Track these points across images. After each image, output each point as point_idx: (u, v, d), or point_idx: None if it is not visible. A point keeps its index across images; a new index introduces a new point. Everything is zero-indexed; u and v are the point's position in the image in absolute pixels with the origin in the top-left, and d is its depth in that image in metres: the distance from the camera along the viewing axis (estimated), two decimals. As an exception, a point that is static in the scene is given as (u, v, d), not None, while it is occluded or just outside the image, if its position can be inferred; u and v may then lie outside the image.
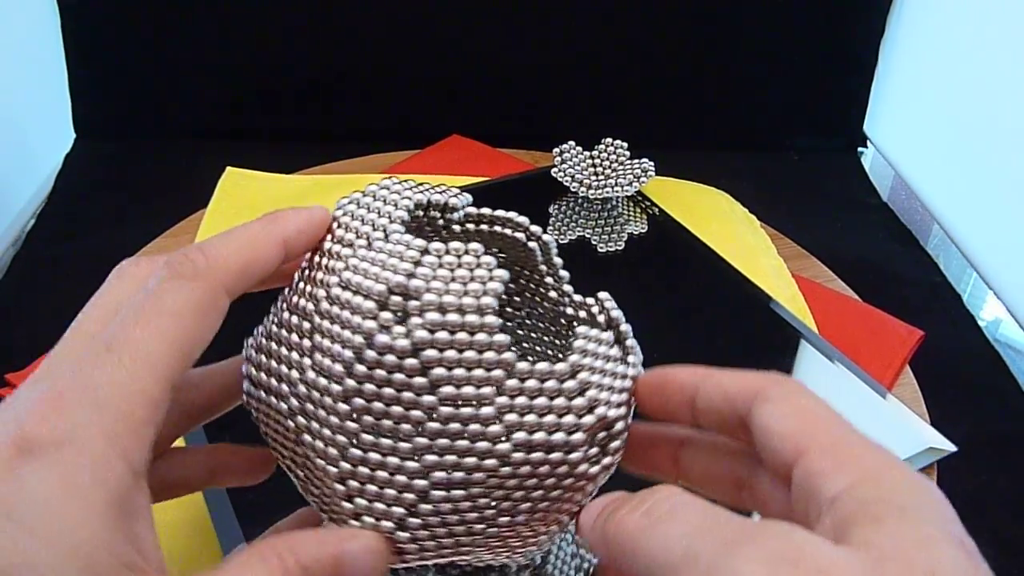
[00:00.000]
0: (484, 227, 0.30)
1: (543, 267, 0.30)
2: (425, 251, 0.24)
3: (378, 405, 0.23)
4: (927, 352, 0.53)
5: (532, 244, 0.30)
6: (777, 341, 0.48)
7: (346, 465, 0.24)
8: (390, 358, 0.23)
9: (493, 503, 0.25)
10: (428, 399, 0.23)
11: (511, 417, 0.23)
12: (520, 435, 0.24)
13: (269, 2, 0.75)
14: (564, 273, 0.30)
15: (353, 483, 0.24)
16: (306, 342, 0.24)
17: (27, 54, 0.77)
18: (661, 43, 0.79)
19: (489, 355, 0.23)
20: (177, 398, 0.25)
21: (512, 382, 0.24)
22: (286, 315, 0.25)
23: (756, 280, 0.52)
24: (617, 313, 0.28)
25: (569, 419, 0.24)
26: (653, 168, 0.64)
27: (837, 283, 0.59)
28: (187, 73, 0.77)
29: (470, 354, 0.23)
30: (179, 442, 0.30)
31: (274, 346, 0.25)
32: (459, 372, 0.23)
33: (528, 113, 0.80)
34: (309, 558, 0.22)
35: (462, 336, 0.23)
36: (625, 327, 0.27)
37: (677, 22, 0.78)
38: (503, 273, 0.25)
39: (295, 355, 0.25)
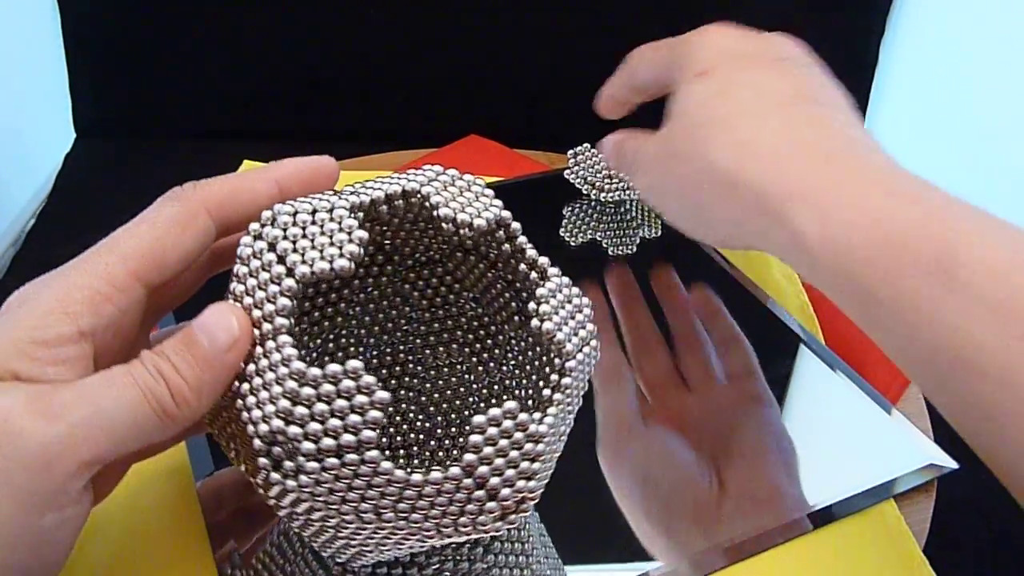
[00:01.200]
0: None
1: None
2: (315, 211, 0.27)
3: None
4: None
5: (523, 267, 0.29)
6: (781, 349, 0.48)
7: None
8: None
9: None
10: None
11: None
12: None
13: (270, 2, 0.75)
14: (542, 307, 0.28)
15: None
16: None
17: (27, 54, 0.77)
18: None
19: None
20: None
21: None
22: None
23: (766, 288, 0.52)
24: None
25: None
26: None
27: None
28: (188, 73, 0.77)
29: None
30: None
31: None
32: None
33: (545, 114, 0.80)
34: (161, 343, 0.25)
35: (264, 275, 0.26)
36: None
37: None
38: (343, 263, 0.26)
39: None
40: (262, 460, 0.24)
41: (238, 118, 0.79)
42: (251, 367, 0.25)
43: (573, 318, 0.28)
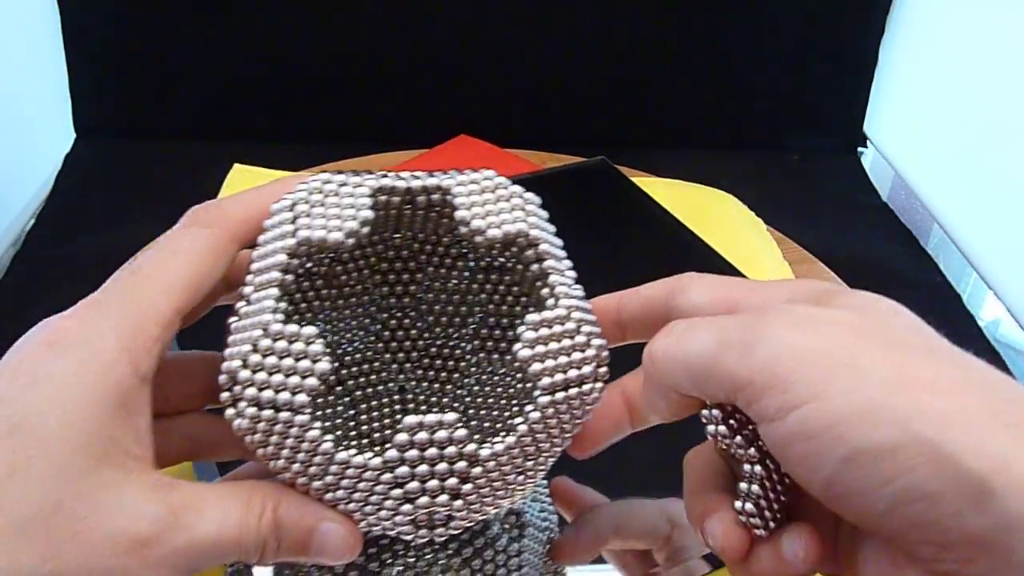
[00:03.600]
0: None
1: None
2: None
3: None
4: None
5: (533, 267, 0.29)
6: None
7: None
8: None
9: None
10: None
11: None
12: None
13: (272, 1, 0.75)
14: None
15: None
16: (313, 347, 0.26)
17: (27, 54, 0.77)
18: (662, 44, 0.79)
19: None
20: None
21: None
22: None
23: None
24: None
25: None
26: None
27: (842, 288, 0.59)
28: (187, 73, 0.77)
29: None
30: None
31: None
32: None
33: (534, 114, 0.80)
34: (286, 518, 0.25)
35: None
36: None
37: (677, 22, 0.78)
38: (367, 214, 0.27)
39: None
40: (223, 394, 0.26)
41: (237, 118, 0.79)
42: (243, 308, 0.26)
43: (568, 355, 0.27)
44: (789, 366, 0.21)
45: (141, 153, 0.76)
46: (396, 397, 0.35)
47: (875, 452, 0.20)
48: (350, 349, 0.34)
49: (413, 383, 0.35)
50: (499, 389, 0.32)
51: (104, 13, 0.75)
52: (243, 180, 0.66)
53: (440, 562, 0.32)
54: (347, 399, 0.34)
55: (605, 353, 0.28)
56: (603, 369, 0.27)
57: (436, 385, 0.35)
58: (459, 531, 0.27)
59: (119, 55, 0.77)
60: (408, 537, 0.27)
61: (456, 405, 0.34)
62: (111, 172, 0.75)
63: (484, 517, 0.28)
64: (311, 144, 0.74)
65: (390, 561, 0.31)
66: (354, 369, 0.34)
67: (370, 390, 0.34)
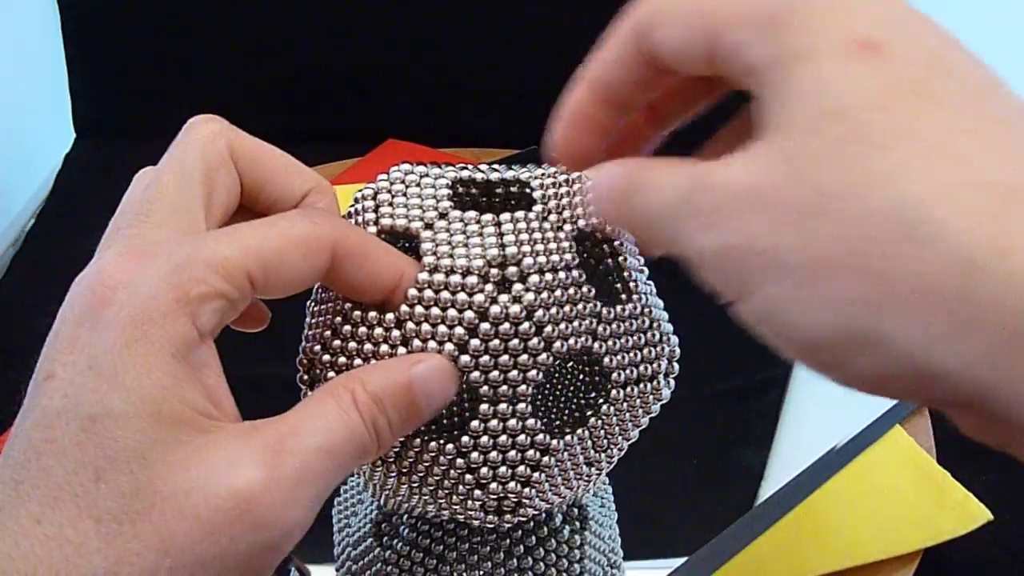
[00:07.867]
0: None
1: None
2: (498, 223, 0.26)
3: (495, 374, 0.25)
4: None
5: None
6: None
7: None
8: (505, 326, 0.25)
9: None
10: (543, 357, 0.25)
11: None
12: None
13: (268, 3, 0.75)
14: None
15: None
16: (395, 332, 0.25)
17: (27, 54, 0.77)
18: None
19: (582, 306, 0.26)
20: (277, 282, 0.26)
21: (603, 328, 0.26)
22: (348, 327, 0.26)
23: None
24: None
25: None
26: None
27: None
28: (187, 73, 0.78)
29: (569, 308, 0.26)
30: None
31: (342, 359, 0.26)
32: (564, 326, 0.25)
33: (460, 113, 0.79)
34: (378, 387, 0.23)
35: (560, 293, 0.25)
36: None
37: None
38: (570, 228, 0.26)
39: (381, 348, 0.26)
40: (303, 375, 0.26)
41: (238, 118, 0.79)
42: (322, 294, 0.27)
43: (640, 349, 0.27)
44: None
45: (141, 153, 0.75)
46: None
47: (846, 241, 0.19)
48: None
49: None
50: (568, 381, 0.32)
51: (104, 13, 0.75)
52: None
53: (504, 548, 0.32)
54: None
55: (676, 349, 0.28)
56: (674, 365, 0.28)
57: None
58: (526, 519, 0.28)
59: (119, 55, 0.77)
60: (476, 522, 0.28)
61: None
62: (111, 172, 0.75)
63: (552, 506, 0.28)
64: (311, 144, 0.74)
65: (455, 544, 0.32)
66: None
67: None
